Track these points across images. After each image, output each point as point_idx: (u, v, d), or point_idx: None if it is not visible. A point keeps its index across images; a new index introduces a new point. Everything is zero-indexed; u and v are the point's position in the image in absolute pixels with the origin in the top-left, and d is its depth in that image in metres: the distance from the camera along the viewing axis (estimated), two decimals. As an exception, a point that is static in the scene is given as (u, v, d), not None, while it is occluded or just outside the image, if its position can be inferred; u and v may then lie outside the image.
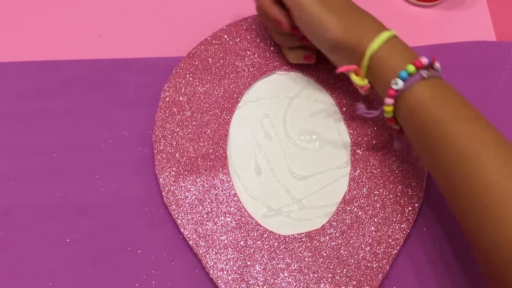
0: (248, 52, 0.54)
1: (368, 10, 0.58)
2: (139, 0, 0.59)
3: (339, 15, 0.47)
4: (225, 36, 0.54)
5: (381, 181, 0.47)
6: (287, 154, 0.50)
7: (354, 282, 0.44)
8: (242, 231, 0.46)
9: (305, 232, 0.46)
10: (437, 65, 0.43)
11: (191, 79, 0.52)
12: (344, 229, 0.46)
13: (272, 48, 0.54)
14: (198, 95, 0.51)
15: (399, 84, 0.42)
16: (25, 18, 0.58)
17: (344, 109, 0.51)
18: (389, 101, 0.43)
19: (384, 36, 0.44)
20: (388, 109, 0.43)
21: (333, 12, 0.47)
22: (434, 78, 0.42)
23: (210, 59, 0.53)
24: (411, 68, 0.42)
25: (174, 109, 0.50)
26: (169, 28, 0.58)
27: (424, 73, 0.42)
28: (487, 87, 0.56)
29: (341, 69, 0.46)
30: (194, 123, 0.50)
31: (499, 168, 0.38)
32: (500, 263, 0.37)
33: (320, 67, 0.53)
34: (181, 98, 0.51)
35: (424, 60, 0.42)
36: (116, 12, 0.58)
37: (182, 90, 0.52)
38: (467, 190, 0.39)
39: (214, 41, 0.54)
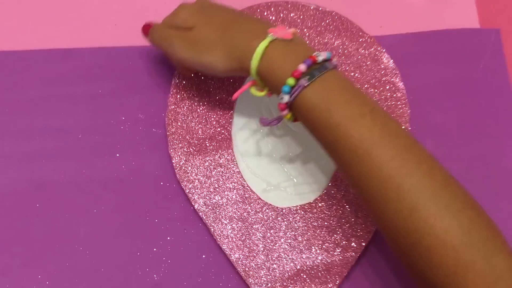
0: None
1: None
2: None
3: (212, 47, 0.47)
4: None
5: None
6: (283, 134, 0.54)
7: (340, 249, 0.50)
8: (245, 204, 0.51)
9: (300, 205, 0.51)
10: (321, 58, 0.42)
11: None
12: (333, 202, 0.51)
13: None
14: (205, 81, 0.55)
15: (285, 98, 0.42)
16: (48, 8, 0.60)
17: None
18: (283, 112, 0.44)
19: (260, 49, 0.44)
20: (287, 116, 0.44)
21: (205, 47, 0.47)
22: (322, 77, 0.42)
23: None
24: (291, 81, 0.42)
25: (184, 94, 0.54)
26: None
27: (305, 82, 0.41)
28: (468, 71, 0.59)
29: (236, 95, 0.48)
30: (202, 107, 0.54)
31: (388, 163, 0.39)
32: (405, 248, 0.40)
33: None
34: (190, 84, 0.55)
35: (302, 67, 0.42)
36: (130, 2, 0.61)
37: (191, 76, 0.55)
38: (366, 186, 0.40)
39: None
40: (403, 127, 0.42)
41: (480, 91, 0.58)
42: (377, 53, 0.57)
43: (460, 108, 0.58)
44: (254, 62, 0.44)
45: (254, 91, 0.46)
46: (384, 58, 0.57)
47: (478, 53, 0.60)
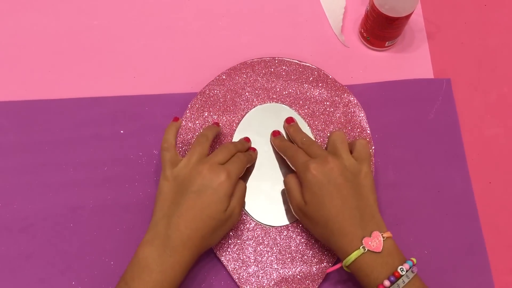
0: (243, 90, 0.63)
1: (334, 52, 0.64)
2: (162, 50, 0.67)
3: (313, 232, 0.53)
4: (224, 77, 0.63)
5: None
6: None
7: (317, 260, 0.56)
8: (240, 224, 0.57)
9: (284, 225, 0.57)
10: (403, 273, 0.47)
11: (201, 111, 0.61)
12: None
13: (258, 84, 0.63)
14: (207, 124, 0.61)
15: None
16: (80, 64, 0.66)
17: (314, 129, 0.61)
18: None
19: (352, 257, 0.48)
20: None
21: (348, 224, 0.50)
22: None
23: (215, 96, 0.62)
24: None
25: (190, 134, 0.60)
26: (186, 70, 0.66)
27: None
28: (424, 113, 0.63)
29: (330, 270, 0.52)
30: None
31: None
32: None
33: (299, 103, 0.62)
34: (194, 126, 0.61)
35: (386, 284, 0.47)
36: (146, 59, 0.66)
37: (195, 119, 0.61)
38: None
39: (217, 82, 0.63)
40: None
41: (433, 130, 0.63)
42: (348, 99, 0.62)
43: (417, 144, 0.62)
44: (345, 263, 0.50)
45: (346, 268, 0.51)
46: (354, 103, 0.62)
47: (432, 99, 0.64)
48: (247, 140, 0.61)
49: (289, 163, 0.56)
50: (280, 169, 0.60)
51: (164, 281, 0.48)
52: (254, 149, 0.61)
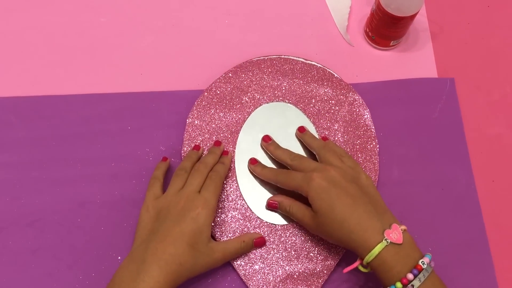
0: (249, 88, 0.63)
1: (340, 51, 0.64)
2: (169, 48, 0.67)
3: (365, 215, 0.49)
4: (231, 75, 0.63)
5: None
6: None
7: (322, 258, 0.56)
8: (245, 221, 0.57)
9: (290, 223, 0.57)
10: (425, 266, 0.46)
11: (208, 108, 0.61)
12: None
13: (264, 82, 0.63)
14: (213, 121, 0.61)
15: None
16: (88, 60, 0.66)
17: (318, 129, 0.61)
18: None
19: (376, 251, 0.47)
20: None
21: (365, 215, 0.49)
22: (424, 284, 0.46)
23: (222, 93, 0.62)
24: (399, 285, 0.46)
25: (196, 131, 0.60)
26: (193, 67, 0.66)
27: None
28: (427, 112, 0.64)
29: (347, 270, 0.50)
30: (210, 142, 0.60)
31: None
32: None
33: (305, 102, 0.62)
34: (201, 123, 0.61)
35: (410, 277, 0.46)
36: (153, 56, 0.66)
37: (202, 117, 0.61)
38: None
39: (224, 80, 0.63)
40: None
41: (437, 129, 0.63)
42: (353, 97, 0.62)
43: (421, 143, 0.62)
44: (368, 259, 0.48)
45: (361, 268, 0.50)
46: (359, 102, 0.62)
47: (436, 98, 0.65)
48: (217, 144, 0.60)
49: (282, 187, 0.56)
50: (285, 168, 0.60)
51: None
52: (227, 152, 0.60)
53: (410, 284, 0.46)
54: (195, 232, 0.50)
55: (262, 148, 0.61)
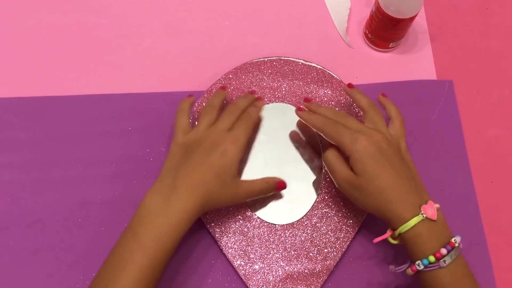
0: (250, 89, 0.63)
1: (339, 53, 0.64)
2: (170, 49, 0.67)
3: (401, 188, 0.49)
4: (231, 76, 0.63)
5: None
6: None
7: (322, 258, 0.56)
8: (245, 221, 0.57)
9: (289, 223, 0.57)
10: (457, 244, 0.47)
11: None
12: (315, 220, 0.57)
13: (264, 84, 0.63)
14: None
15: (421, 267, 0.47)
16: (89, 61, 0.65)
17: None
18: (411, 272, 0.48)
19: (411, 224, 0.47)
20: (410, 273, 0.49)
21: (402, 188, 0.49)
22: (455, 262, 0.46)
23: None
24: (432, 259, 0.46)
25: None
26: (193, 68, 0.66)
27: (443, 263, 0.46)
28: (426, 114, 0.64)
29: (377, 240, 0.51)
30: None
31: None
32: None
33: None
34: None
35: (444, 251, 0.46)
36: (154, 57, 0.66)
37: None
38: None
39: (224, 81, 0.63)
40: None
41: (436, 130, 0.63)
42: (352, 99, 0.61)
43: (419, 144, 0.62)
44: (401, 230, 0.48)
45: (391, 239, 0.50)
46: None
47: (435, 100, 0.65)
48: (252, 92, 0.61)
49: (326, 138, 0.55)
50: (286, 167, 0.60)
51: (168, 227, 0.48)
52: (261, 98, 0.61)
53: (442, 260, 0.46)
54: (224, 166, 0.51)
55: (262, 148, 0.61)
